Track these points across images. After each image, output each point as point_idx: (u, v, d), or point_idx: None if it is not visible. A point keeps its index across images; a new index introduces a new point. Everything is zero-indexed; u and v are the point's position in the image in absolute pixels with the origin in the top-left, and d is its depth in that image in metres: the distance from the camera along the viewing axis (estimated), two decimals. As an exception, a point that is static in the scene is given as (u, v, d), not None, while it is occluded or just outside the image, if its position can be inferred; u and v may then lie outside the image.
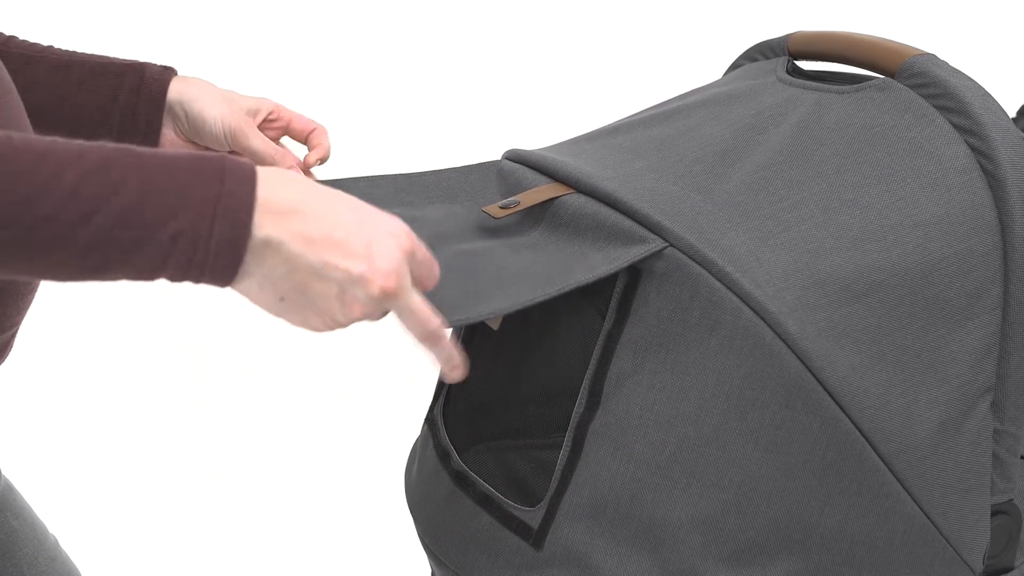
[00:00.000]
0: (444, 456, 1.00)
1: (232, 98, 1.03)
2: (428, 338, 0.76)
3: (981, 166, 0.90)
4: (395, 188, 1.03)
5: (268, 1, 2.48)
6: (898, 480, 0.86)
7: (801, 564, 0.86)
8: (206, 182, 0.67)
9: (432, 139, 2.48)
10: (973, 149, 0.90)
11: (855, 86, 0.97)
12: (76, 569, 1.11)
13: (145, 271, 0.68)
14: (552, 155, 0.97)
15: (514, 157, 1.00)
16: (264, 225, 0.69)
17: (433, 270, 0.77)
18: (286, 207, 0.70)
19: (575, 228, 0.88)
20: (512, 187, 0.96)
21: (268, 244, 0.69)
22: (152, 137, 1.02)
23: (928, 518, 0.89)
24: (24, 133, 0.66)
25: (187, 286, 0.69)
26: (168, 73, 1.03)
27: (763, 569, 0.85)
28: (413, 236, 0.75)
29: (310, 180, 0.76)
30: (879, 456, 0.85)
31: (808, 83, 1.00)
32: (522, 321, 1.06)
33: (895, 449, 0.85)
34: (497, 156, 1.05)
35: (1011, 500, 0.94)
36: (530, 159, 0.98)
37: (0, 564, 1.00)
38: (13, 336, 0.91)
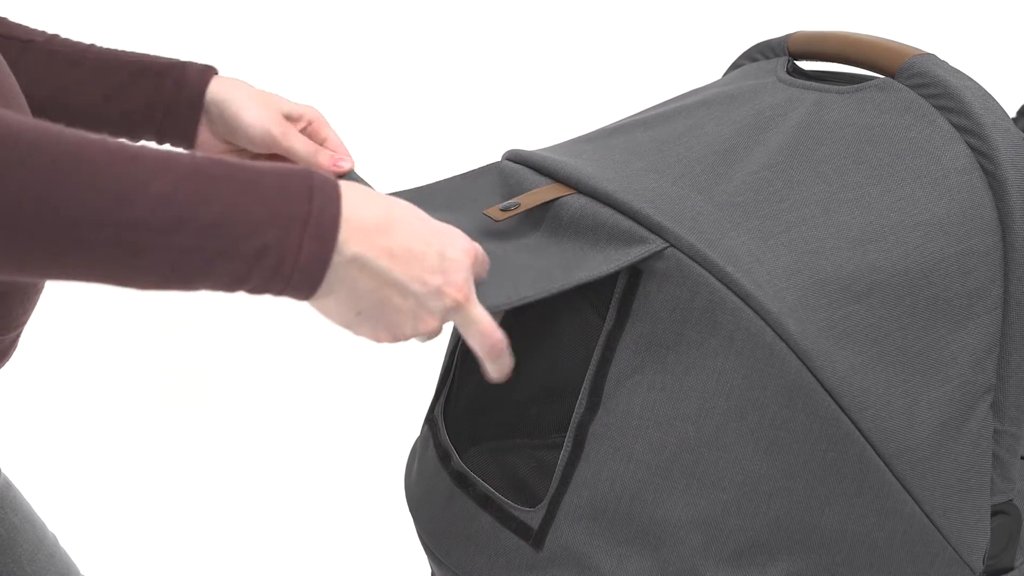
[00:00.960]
0: (445, 456, 1.00)
1: (269, 100, 1.02)
2: (490, 350, 0.77)
3: (981, 166, 0.90)
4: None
5: (271, 4, 2.48)
6: (898, 480, 0.86)
7: (801, 564, 0.86)
8: (295, 199, 0.68)
9: (433, 139, 2.49)
10: (973, 149, 0.90)
11: (855, 86, 0.97)
12: (74, 566, 1.12)
13: (228, 283, 0.68)
14: (552, 156, 0.97)
15: (515, 158, 1.00)
16: (351, 242, 0.70)
17: (484, 275, 0.79)
18: (370, 223, 0.71)
19: (576, 229, 0.88)
20: (513, 188, 0.96)
21: (355, 261, 0.70)
22: (189, 138, 1.02)
23: (928, 518, 0.89)
24: (115, 138, 0.66)
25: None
26: (208, 73, 1.02)
27: (763, 569, 0.85)
28: (475, 244, 0.77)
29: (382, 193, 0.76)
30: (879, 456, 0.85)
31: (808, 83, 1.00)
32: (522, 321, 1.06)
33: (896, 449, 0.85)
34: (498, 157, 1.05)
35: (1011, 500, 0.94)
36: (530, 160, 0.98)
37: (0, 559, 1.01)
38: (18, 337, 0.92)
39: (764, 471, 0.83)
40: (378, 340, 0.75)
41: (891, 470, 0.86)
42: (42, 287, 0.92)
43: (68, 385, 2.53)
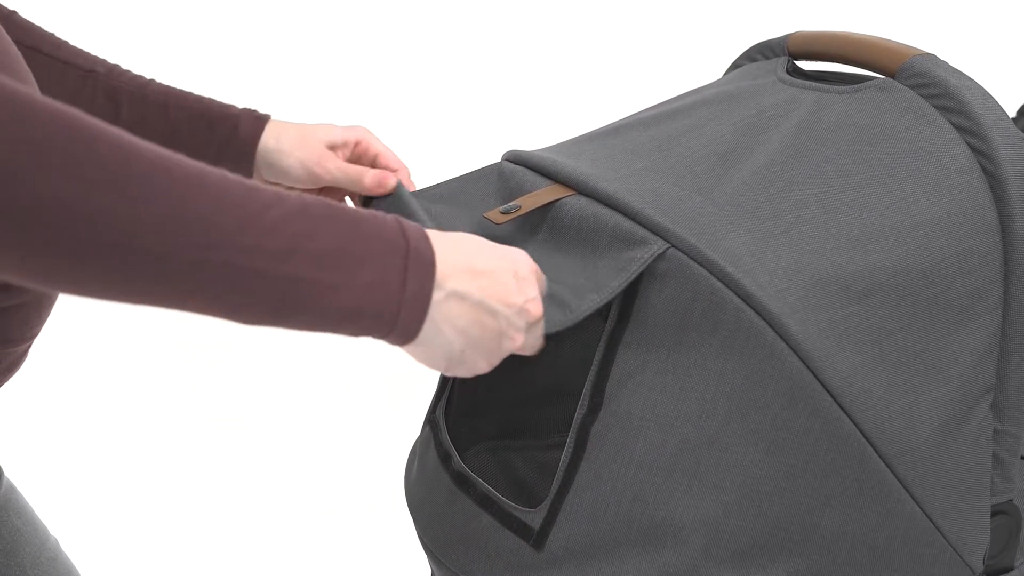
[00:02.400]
0: (445, 457, 1.00)
1: (310, 140, 1.02)
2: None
3: (981, 166, 0.90)
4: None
5: (271, 5, 2.48)
6: (899, 481, 0.86)
7: (802, 565, 0.86)
8: (391, 238, 0.70)
9: (432, 140, 2.49)
10: (973, 149, 0.90)
11: (855, 86, 0.96)
12: (76, 570, 1.12)
13: (336, 318, 0.69)
14: (552, 156, 0.97)
15: (514, 159, 1.00)
16: (448, 279, 0.72)
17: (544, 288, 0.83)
18: (457, 259, 0.73)
19: (577, 231, 0.88)
20: (513, 189, 0.96)
21: (454, 295, 0.73)
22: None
23: (929, 519, 0.88)
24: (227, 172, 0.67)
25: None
26: (260, 125, 1.03)
27: (764, 570, 0.85)
28: (531, 260, 0.79)
29: (447, 232, 0.78)
30: (880, 457, 0.85)
31: (808, 83, 1.00)
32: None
33: (896, 450, 0.85)
34: (497, 157, 1.05)
35: (1011, 500, 0.94)
36: (530, 160, 0.98)
37: (3, 563, 1.01)
38: (29, 347, 0.93)
39: (765, 472, 0.83)
40: (477, 371, 0.78)
41: (892, 470, 0.86)
42: (55, 300, 0.93)
43: (71, 390, 2.53)
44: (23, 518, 1.04)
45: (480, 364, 0.78)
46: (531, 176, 0.95)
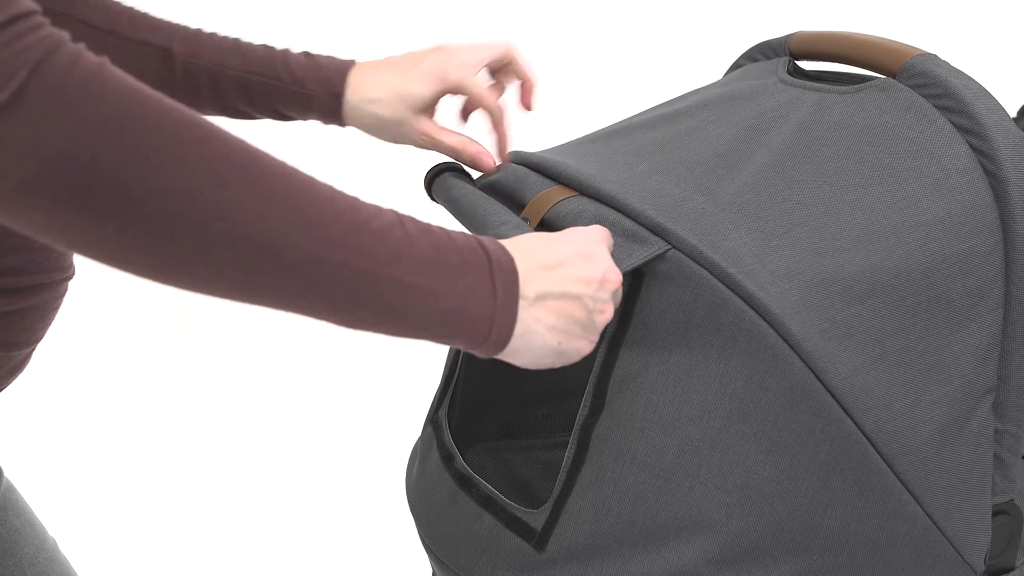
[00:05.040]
0: (448, 458, 1.00)
1: (407, 102, 1.03)
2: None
3: (982, 166, 0.90)
4: None
5: (270, 5, 2.47)
6: (901, 481, 0.86)
7: (803, 565, 0.86)
8: (475, 249, 0.73)
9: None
10: (974, 149, 0.90)
11: (856, 86, 0.96)
12: (74, 571, 1.12)
13: (435, 322, 0.71)
14: (555, 157, 0.97)
15: (517, 159, 1.00)
16: (528, 283, 0.75)
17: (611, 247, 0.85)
18: (529, 261, 0.76)
19: None
20: (515, 191, 0.96)
21: (538, 298, 0.75)
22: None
23: (930, 519, 0.88)
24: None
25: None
26: (335, 104, 1.03)
27: (766, 570, 0.85)
28: (594, 229, 0.81)
29: (510, 238, 0.81)
30: (882, 457, 0.85)
31: (809, 83, 1.00)
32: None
33: (898, 450, 0.85)
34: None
35: (1012, 500, 0.94)
36: (532, 161, 0.98)
37: (2, 562, 1.01)
38: (32, 352, 0.93)
39: (767, 473, 0.83)
40: (583, 354, 0.79)
41: (893, 471, 0.86)
42: (59, 305, 0.94)
43: (70, 390, 2.53)
44: (22, 518, 1.04)
45: (582, 346, 0.79)
46: (534, 176, 0.96)
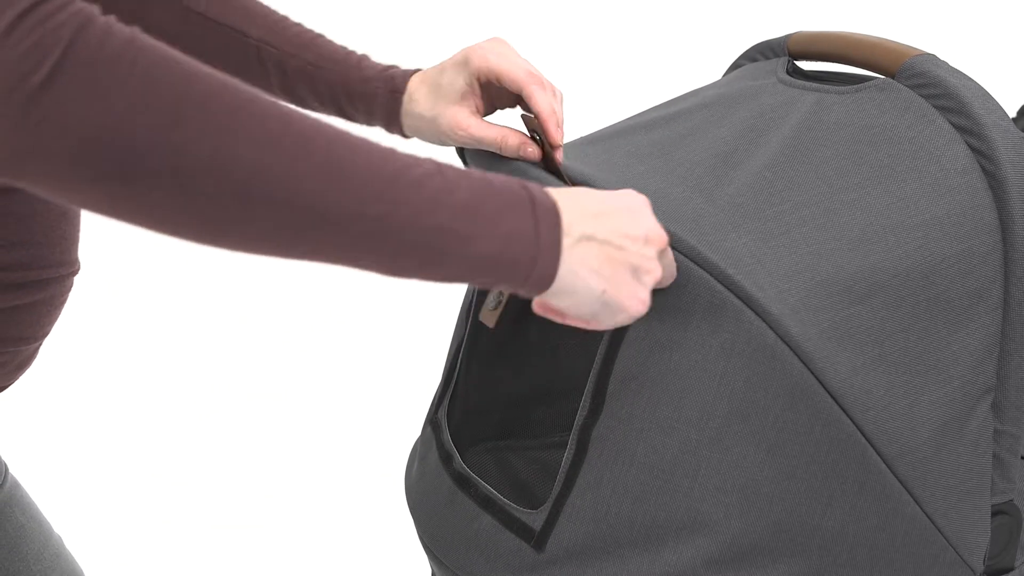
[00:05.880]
0: (447, 458, 1.00)
1: (439, 93, 1.02)
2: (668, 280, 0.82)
3: (981, 166, 0.90)
4: None
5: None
6: (900, 482, 0.86)
7: (802, 566, 0.86)
8: (517, 191, 0.73)
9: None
10: (973, 149, 0.90)
11: (855, 86, 0.96)
12: (79, 567, 1.12)
13: (477, 265, 0.72)
14: (554, 157, 0.97)
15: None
16: (575, 223, 0.74)
17: None
18: (574, 205, 0.75)
19: None
20: None
21: (582, 238, 0.75)
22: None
23: (930, 519, 0.88)
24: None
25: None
26: (396, 102, 1.03)
27: (765, 571, 0.85)
28: (638, 193, 0.81)
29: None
30: (881, 458, 0.85)
31: (808, 84, 1.00)
32: (521, 323, 1.06)
33: (897, 451, 0.85)
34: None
35: (1011, 500, 0.94)
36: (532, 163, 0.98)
37: (8, 558, 1.01)
38: (39, 347, 0.93)
39: (766, 473, 0.83)
40: (632, 313, 0.78)
41: (892, 471, 0.85)
42: (66, 299, 0.94)
43: (75, 387, 2.53)
44: (27, 514, 1.05)
45: (630, 304, 0.78)
46: (533, 173, 0.96)
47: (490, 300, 1.01)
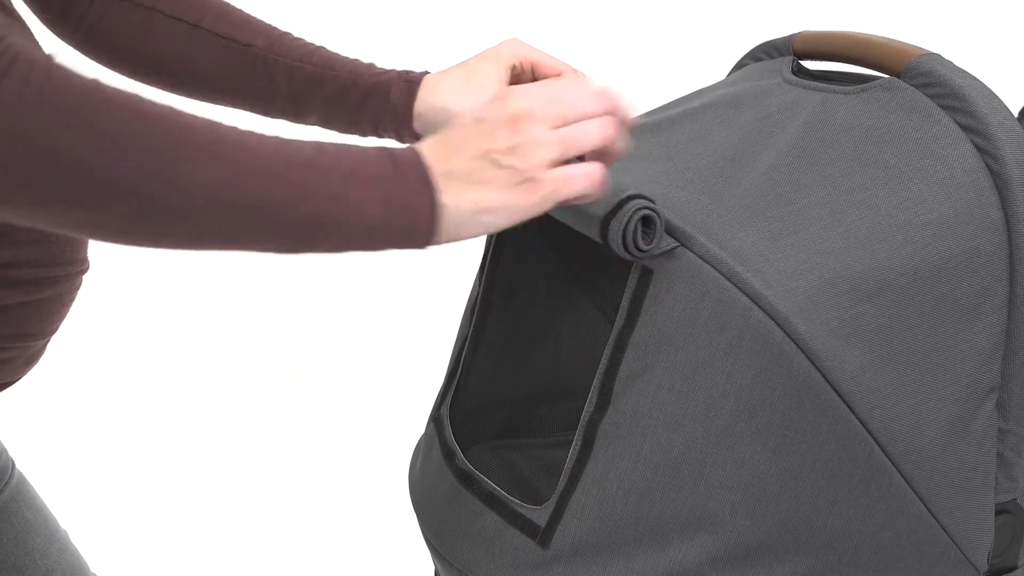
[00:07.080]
0: (449, 455, 1.00)
1: (471, 83, 1.01)
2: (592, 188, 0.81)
3: (987, 165, 0.90)
4: None
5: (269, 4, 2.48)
6: (906, 480, 0.86)
7: (807, 564, 0.86)
8: (376, 155, 0.76)
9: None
10: (979, 148, 0.90)
11: (860, 86, 0.96)
12: (84, 562, 1.13)
13: (369, 233, 0.75)
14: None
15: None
16: (436, 162, 0.77)
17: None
18: (439, 145, 0.78)
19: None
20: None
21: (447, 174, 0.77)
22: (402, 139, 1.07)
23: (935, 518, 0.89)
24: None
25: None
26: (413, 90, 1.03)
27: (769, 569, 0.85)
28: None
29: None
30: (887, 457, 0.85)
31: (813, 83, 1.00)
32: (525, 320, 1.06)
33: (903, 450, 0.85)
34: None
35: (1015, 499, 0.94)
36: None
37: (14, 552, 1.02)
38: (47, 343, 0.94)
39: (772, 471, 0.83)
40: (518, 207, 0.79)
41: (899, 470, 0.86)
42: (74, 297, 0.95)
43: (81, 383, 2.53)
44: (33, 509, 1.05)
45: (506, 196, 0.78)
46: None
47: None
